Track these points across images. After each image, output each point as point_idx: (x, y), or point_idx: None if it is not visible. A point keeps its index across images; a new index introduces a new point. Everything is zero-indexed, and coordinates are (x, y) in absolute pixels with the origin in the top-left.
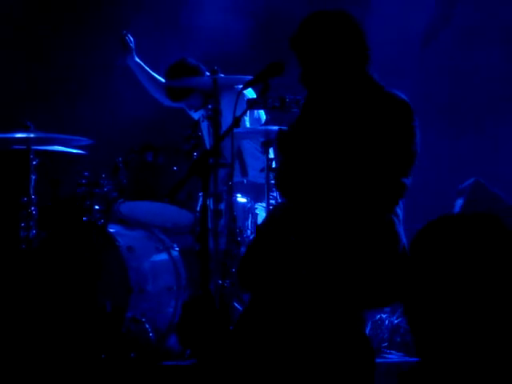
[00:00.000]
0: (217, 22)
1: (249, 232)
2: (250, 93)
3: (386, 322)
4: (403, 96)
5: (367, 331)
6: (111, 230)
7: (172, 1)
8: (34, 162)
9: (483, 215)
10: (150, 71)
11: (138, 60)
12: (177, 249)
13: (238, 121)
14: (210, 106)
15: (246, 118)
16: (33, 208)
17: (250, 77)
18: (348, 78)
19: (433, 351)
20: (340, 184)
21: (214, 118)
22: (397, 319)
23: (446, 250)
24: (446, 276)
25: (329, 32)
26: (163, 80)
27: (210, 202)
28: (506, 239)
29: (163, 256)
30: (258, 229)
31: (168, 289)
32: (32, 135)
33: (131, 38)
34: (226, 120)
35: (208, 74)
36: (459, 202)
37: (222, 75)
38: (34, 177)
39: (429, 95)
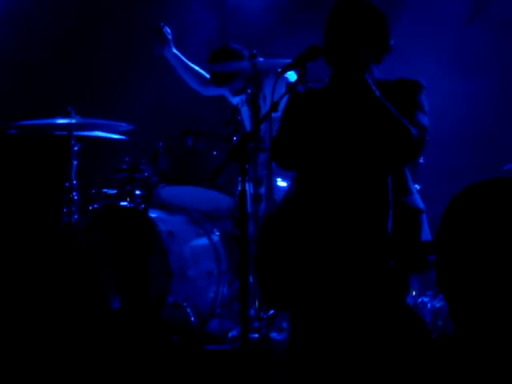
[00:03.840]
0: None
1: None
2: (292, 76)
3: (428, 305)
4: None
5: None
6: (152, 215)
7: None
8: (76, 148)
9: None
10: (188, 62)
11: (175, 51)
12: (217, 233)
13: (276, 105)
14: (249, 91)
15: None
16: (74, 193)
17: (289, 60)
18: (372, 63)
19: (467, 318)
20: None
21: (254, 102)
22: (439, 303)
23: (479, 214)
24: (479, 239)
25: (368, 16)
26: (201, 70)
27: (250, 187)
28: None
29: (204, 241)
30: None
31: (209, 273)
32: (73, 121)
33: (168, 30)
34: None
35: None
36: None
37: (261, 59)
38: (75, 162)
39: (470, 75)
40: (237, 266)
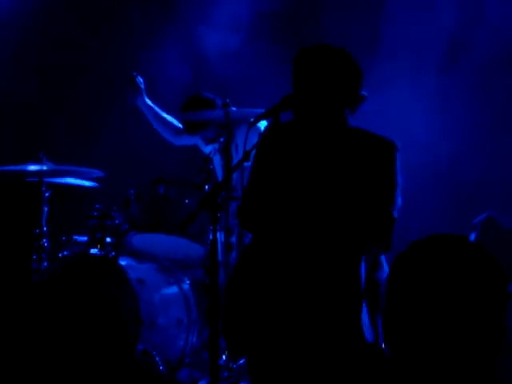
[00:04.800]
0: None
1: None
2: (264, 125)
3: None
4: (387, 138)
5: None
6: (122, 263)
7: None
8: (47, 194)
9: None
10: (161, 112)
11: (148, 101)
12: (188, 282)
13: (248, 154)
14: (221, 140)
15: None
16: (44, 240)
17: (262, 110)
18: (340, 116)
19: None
20: (327, 218)
21: (226, 151)
22: None
23: (418, 271)
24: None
25: (337, 67)
26: (174, 120)
27: (221, 236)
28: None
29: (174, 289)
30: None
31: (178, 322)
32: (45, 167)
33: (141, 80)
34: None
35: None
36: (471, 238)
37: (234, 108)
38: (46, 209)
39: (446, 117)
40: (207, 314)
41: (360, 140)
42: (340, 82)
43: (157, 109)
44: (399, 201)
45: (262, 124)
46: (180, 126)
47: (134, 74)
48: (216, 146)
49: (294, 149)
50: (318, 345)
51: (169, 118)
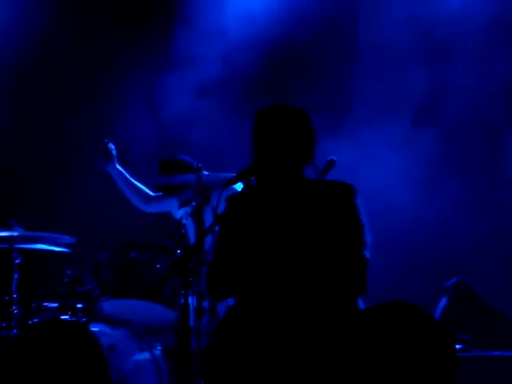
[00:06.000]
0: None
1: None
2: (239, 188)
3: None
4: (343, 181)
5: None
6: (94, 329)
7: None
8: (17, 261)
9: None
10: (131, 179)
11: (119, 168)
12: (159, 348)
13: (219, 218)
14: (193, 204)
15: None
16: (14, 307)
17: (233, 174)
18: (297, 173)
19: None
20: (307, 274)
21: (198, 215)
22: None
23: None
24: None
25: (292, 128)
26: (144, 187)
27: (194, 300)
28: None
29: (146, 355)
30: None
31: None
32: (15, 234)
33: (113, 146)
34: None
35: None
36: (443, 301)
37: (206, 172)
38: (16, 275)
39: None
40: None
41: (318, 189)
42: (294, 143)
43: (127, 176)
44: (369, 239)
45: (238, 186)
46: (150, 193)
47: (106, 140)
48: (188, 209)
49: (258, 211)
50: None
51: (139, 184)
